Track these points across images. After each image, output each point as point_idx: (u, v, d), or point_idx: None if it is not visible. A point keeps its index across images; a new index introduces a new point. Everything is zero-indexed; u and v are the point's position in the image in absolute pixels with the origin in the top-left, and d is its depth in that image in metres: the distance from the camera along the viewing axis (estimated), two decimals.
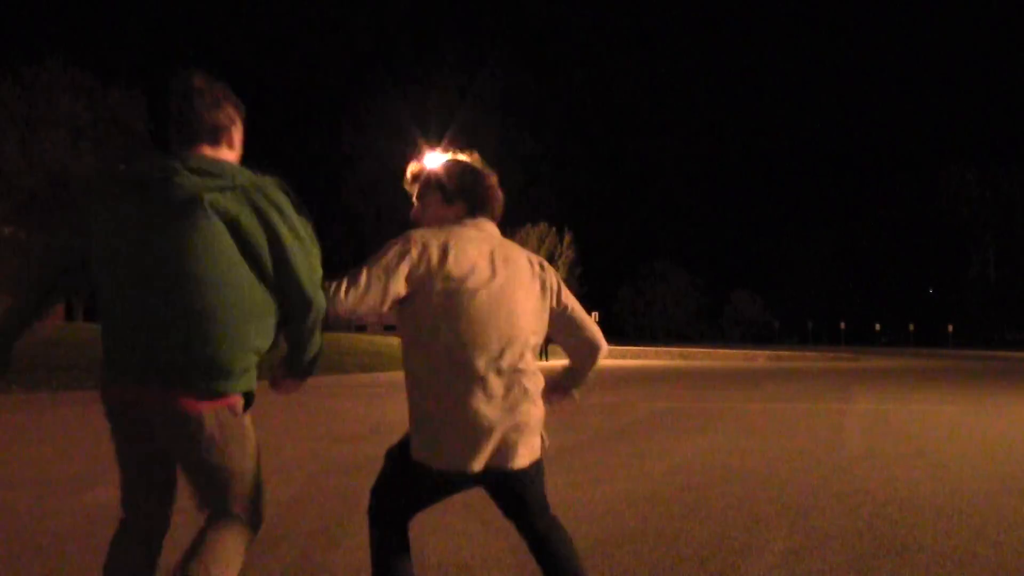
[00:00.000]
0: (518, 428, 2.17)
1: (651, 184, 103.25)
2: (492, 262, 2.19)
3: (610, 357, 37.53)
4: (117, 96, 31.09)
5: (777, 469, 6.18)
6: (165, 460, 2.20)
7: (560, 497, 5.06)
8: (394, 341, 30.21)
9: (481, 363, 2.12)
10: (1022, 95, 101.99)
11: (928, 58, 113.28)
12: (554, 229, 48.57)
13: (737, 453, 7.03)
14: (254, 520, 2.21)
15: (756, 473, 6.00)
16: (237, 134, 2.18)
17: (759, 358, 35.80)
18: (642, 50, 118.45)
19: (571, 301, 2.40)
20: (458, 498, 4.95)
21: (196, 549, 2.14)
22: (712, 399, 13.18)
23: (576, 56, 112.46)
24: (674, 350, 40.94)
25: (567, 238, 48.56)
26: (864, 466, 6.35)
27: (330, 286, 2.16)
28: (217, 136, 2.10)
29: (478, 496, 5.02)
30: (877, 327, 68.42)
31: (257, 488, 2.19)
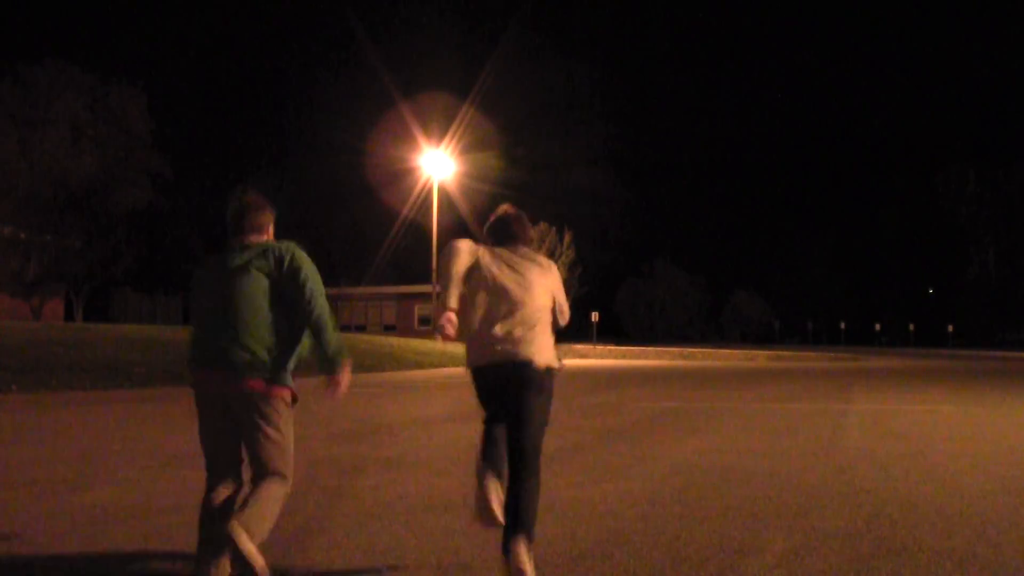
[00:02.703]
0: (516, 342, 3.38)
1: (651, 184, 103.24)
2: (509, 264, 3.53)
3: (610, 357, 37.52)
4: (117, 96, 31.06)
5: (777, 469, 6.17)
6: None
7: (560, 497, 5.05)
8: (394, 341, 30.20)
9: (498, 313, 3.43)
10: (1022, 95, 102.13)
11: (927, 58, 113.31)
12: (554, 229, 48.51)
13: (737, 453, 7.03)
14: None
15: (756, 473, 6.00)
16: (270, 226, 3.41)
17: (759, 358, 35.78)
18: (642, 51, 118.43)
19: (559, 295, 3.67)
20: (457, 497, 4.96)
21: (248, 499, 3.04)
22: (712, 399, 13.17)
23: (576, 56, 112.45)
24: (674, 350, 40.92)
25: (567, 238, 48.50)
26: (864, 466, 6.34)
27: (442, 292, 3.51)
28: (260, 230, 3.36)
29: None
30: (877, 327, 68.33)
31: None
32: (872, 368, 26.63)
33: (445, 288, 3.44)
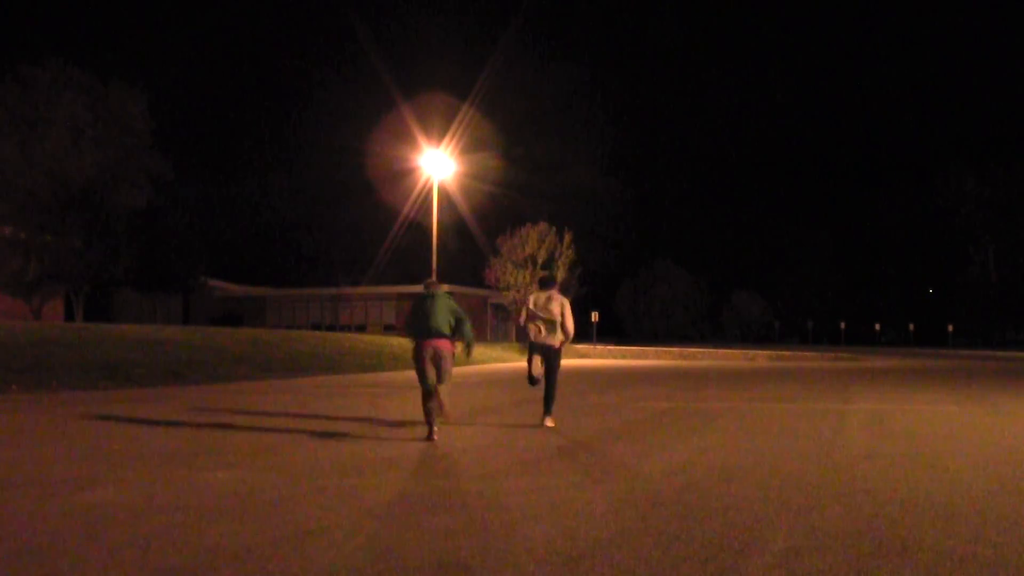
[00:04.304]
0: (547, 336, 8.83)
1: (652, 184, 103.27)
2: (546, 299, 8.92)
3: (610, 357, 37.53)
4: (117, 96, 31.03)
5: (777, 469, 6.18)
6: (437, 360, 7.92)
7: (560, 497, 5.06)
8: (393, 341, 30.20)
9: (540, 323, 8.85)
10: (1021, 95, 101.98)
11: (927, 58, 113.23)
12: (554, 229, 48.46)
13: (737, 453, 7.03)
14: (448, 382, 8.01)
15: (756, 473, 6.00)
16: (446, 287, 10.97)
17: (759, 358, 35.78)
18: (642, 49, 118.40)
19: (567, 316, 8.91)
20: (457, 497, 4.97)
21: (440, 388, 7.76)
22: (712, 399, 13.17)
23: (576, 56, 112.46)
24: (674, 350, 40.92)
25: (567, 238, 48.45)
26: (864, 466, 6.35)
27: (520, 310, 10.05)
28: (440, 285, 8.66)
29: (478, 497, 5.04)
30: (877, 327, 68.32)
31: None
32: (872, 368, 26.63)
33: (521, 313, 9.18)
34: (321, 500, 4.96)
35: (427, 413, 7.77)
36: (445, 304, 8.10)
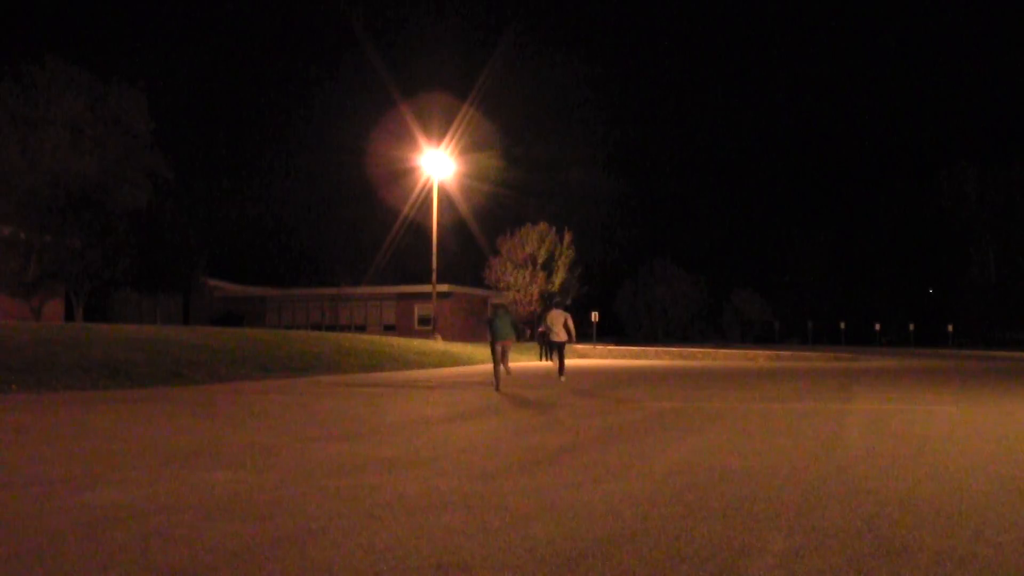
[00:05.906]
0: (558, 335, 16.98)
1: (652, 184, 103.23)
2: (555, 314, 17.20)
3: (610, 357, 37.38)
4: (117, 96, 31.00)
5: (777, 469, 6.17)
6: (503, 352, 15.56)
7: (560, 497, 5.06)
8: (394, 341, 30.21)
9: (552, 327, 17.03)
10: (1022, 95, 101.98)
11: (928, 57, 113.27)
12: (554, 229, 48.47)
13: (737, 453, 7.03)
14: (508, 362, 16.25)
15: (756, 473, 6.00)
16: (505, 306, 18.74)
17: (759, 358, 35.77)
18: (643, 49, 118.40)
19: (569, 323, 16.95)
20: (457, 497, 4.97)
21: (505, 363, 15.75)
22: (712, 399, 13.17)
23: (576, 56, 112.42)
24: (674, 350, 40.90)
25: (567, 238, 48.44)
26: (864, 466, 6.34)
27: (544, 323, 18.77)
28: (504, 306, 17.89)
29: (478, 497, 5.04)
30: (877, 327, 68.34)
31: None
32: (872, 368, 26.62)
33: (543, 323, 19.67)
34: (321, 500, 4.96)
35: (496, 375, 14.81)
36: (507, 319, 15.55)
